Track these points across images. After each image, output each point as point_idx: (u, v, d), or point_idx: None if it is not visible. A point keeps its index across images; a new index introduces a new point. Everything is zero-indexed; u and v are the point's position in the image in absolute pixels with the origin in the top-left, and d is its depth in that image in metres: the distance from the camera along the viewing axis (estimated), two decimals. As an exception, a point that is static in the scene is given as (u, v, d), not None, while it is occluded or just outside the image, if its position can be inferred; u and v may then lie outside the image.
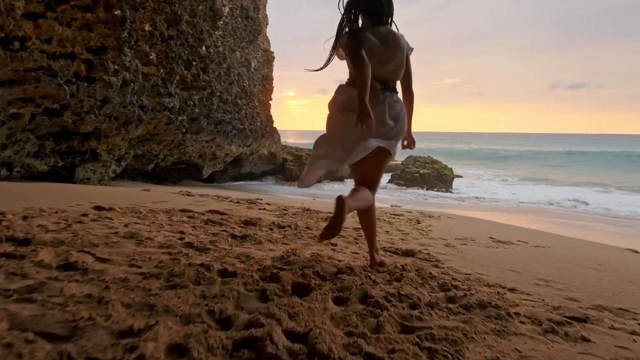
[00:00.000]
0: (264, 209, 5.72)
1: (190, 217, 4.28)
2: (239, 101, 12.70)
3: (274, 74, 15.70)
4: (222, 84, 11.62)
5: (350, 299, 2.16)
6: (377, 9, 2.54)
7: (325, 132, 2.70)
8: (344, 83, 2.63)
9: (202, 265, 2.36)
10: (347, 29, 2.52)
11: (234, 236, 3.51)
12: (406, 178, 16.00)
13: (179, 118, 8.68)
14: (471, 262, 3.74)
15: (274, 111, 15.57)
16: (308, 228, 4.44)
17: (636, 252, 5.73)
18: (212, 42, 10.00)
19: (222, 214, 4.71)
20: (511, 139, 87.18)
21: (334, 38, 2.54)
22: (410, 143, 2.82)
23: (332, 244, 3.75)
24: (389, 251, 3.74)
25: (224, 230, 3.72)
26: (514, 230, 6.64)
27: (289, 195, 13.05)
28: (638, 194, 13.99)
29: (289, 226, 4.36)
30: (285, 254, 3.05)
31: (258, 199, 7.19)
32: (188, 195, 6.73)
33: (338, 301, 2.15)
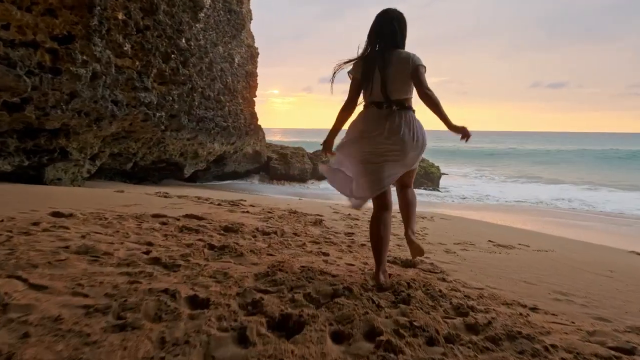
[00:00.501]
0: (247, 211, 5.22)
1: (163, 223, 3.76)
2: (221, 98, 12.13)
3: (259, 71, 15.16)
4: (204, 79, 11.04)
5: (353, 334, 1.70)
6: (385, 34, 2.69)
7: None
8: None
9: (166, 291, 1.87)
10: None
11: (211, 247, 3.01)
12: (393, 176, 15.62)
13: (157, 114, 8.08)
14: (478, 273, 3.32)
15: (258, 109, 15.03)
16: (295, 234, 3.97)
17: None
18: (193, 34, 9.42)
19: (200, 218, 4.20)
20: (495, 137, 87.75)
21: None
22: (466, 135, 2.62)
23: (324, 254, 3.29)
24: (387, 261, 3.29)
25: (200, 240, 3.22)
26: (510, 232, 6.28)
27: (274, 194, 12.54)
28: (624, 191, 13.88)
29: (275, 232, 3.88)
30: (271, 269, 2.56)
31: (241, 200, 6.68)
32: (165, 197, 6.18)
33: (338, 338, 1.68)
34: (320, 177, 15.89)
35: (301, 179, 15.12)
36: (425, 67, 2.63)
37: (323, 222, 4.92)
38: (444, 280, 2.89)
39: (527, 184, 16.22)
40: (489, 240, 4.93)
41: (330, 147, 2.88)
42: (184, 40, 8.52)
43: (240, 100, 13.78)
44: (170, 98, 8.43)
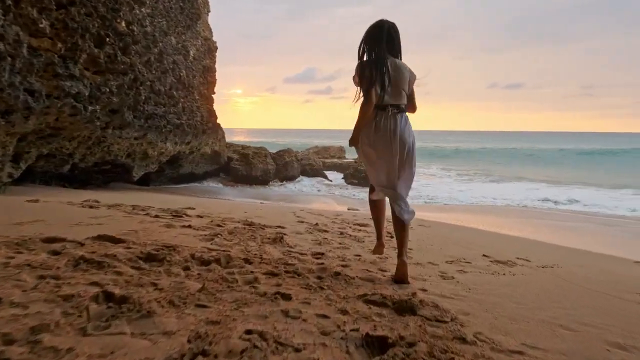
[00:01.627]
0: (190, 226, 4.05)
1: (54, 253, 2.57)
2: (174, 93, 10.79)
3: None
4: (154, 72, 9.69)
5: None
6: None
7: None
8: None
9: None
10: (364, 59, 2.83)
11: (106, 297, 1.87)
12: (359, 177, 14.71)
13: (90, 108, 6.72)
14: (496, 313, 2.34)
15: (220, 109, 13.74)
16: (247, 260, 2.86)
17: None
18: (136, 18, 8.08)
19: (116, 241, 3.01)
20: (456, 136, 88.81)
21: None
22: None
23: (284, 297, 2.20)
24: (374, 303, 2.26)
25: (94, 284, 2.06)
26: (499, 240, 5.41)
27: (234, 198, 11.31)
28: (589, 188, 13.60)
29: (217, 260, 2.76)
30: (190, 350, 1.46)
31: (188, 208, 5.49)
32: (91, 207, 4.90)
33: None
34: (283, 178, 14.76)
35: (264, 180, 13.93)
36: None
37: (284, 237, 3.83)
38: (462, 339, 1.88)
39: (493, 183, 15.72)
40: (484, 255, 4.00)
41: (357, 143, 2.90)
42: (123, 24, 7.19)
43: (197, 97, 12.46)
44: (107, 89, 7.07)
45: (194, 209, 5.71)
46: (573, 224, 7.53)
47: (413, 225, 5.68)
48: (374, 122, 2.76)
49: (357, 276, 2.78)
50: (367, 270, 3.02)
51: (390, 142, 2.75)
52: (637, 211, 9.79)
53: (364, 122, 2.76)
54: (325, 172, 16.07)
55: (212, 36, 14.01)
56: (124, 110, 8.28)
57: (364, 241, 4.16)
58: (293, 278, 2.59)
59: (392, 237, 4.25)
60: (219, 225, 4.21)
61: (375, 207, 3.20)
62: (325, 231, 4.54)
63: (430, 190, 13.29)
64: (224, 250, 3.05)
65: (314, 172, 15.81)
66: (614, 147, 28.19)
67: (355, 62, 2.84)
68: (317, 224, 5.01)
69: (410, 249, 4.04)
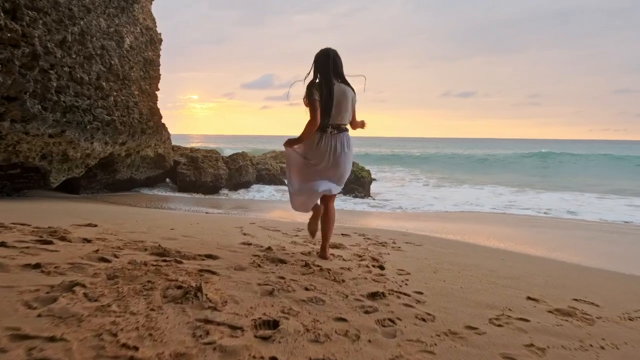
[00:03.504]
0: (39, 265, 2.22)
1: None
2: (104, 84, 8.72)
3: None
4: (74, 55, 7.63)
5: None
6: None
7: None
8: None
9: None
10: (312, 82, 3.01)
11: None
12: (320, 182, 13.13)
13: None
14: None
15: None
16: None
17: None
18: (40, -19, 6.07)
19: None
20: (413, 142, 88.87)
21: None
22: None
23: None
24: None
25: None
26: (524, 263, 3.87)
27: (177, 207, 9.31)
28: (548, 192, 12.78)
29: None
30: None
31: (87, 225, 3.63)
32: None
33: None
34: (237, 184, 12.88)
35: (214, 186, 11.99)
36: None
37: (207, 285, 2.10)
38: None
39: (461, 188, 14.60)
40: (530, 299, 2.47)
41: (290, 147, 3.17)
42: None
43: (136, 92, 10.38)
44: (-11, 66, 5.04)
45: (95, 225, 3.84)
46: (586, 234, 6.25)
47: (400, 244, 4.11)
48: (317, 139, 2.96)
49: (341, 342, 1.13)
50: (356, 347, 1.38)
51: (326, 158, 2.97)
52: None
53: (307, 137, 2.96)
54: (284, 178, 14.37)
55: (155, 27, 11.97)
56: (24, 98, 6.21)
57: (343, 280, 2.51)
58: None
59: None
60: (103, 259, 2.41)
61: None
62: (282, 261, 2.85)
63: (404, 197, 11.89)
64: (61, 339, 1.30)
65: (270, 177, 14.04)
66: (570, 152, 28.52)
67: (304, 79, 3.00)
68: (269, 248, 3.31)
69: (406, 283, 2.45)
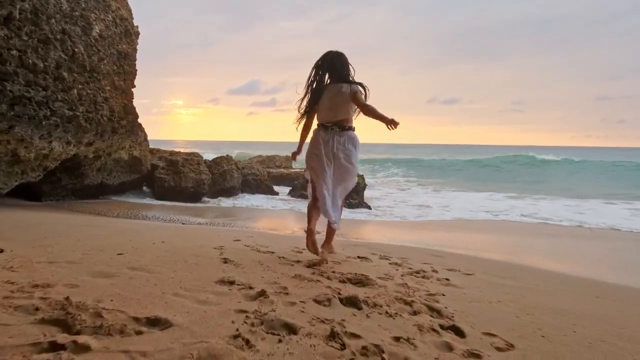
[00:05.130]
0: None
1: None
2: (65, 74, 7.26)
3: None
4: (24, 37, 6.23)
5: None
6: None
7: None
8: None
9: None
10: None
11: None
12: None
13: None
14: None
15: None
16: None
17: None
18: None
19: None
20: (401, 148, 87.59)
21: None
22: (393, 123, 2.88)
23: None
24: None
25: None
26: (615, 296, 2.67)
27: (147, 216, 7.82)
28: (546, 198, 11.80)
29: None
30: None
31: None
32: None
33: None
34: (220, 190, 11.45)
35: (196, 192, 10.54)
36: (362, 90, 3.03)
37: None
38: None
39: (460, 194, 13.50)
40: None
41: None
42: None
43: (107, 88, 8.92)
44: None
45: (0, 251, 2.45)
46: (585, 243, 5.11)
47: (442, 272, 2.84)
48: (315, 137, 3.12)
49: None
50: None
51: (322, 155, 3.03)
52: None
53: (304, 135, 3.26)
54: (271, 184, 12.99)
55: (132, 18, 10.54)
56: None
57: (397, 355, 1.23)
58: None
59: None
60: None
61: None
62: (289, 328, 1.55)
63: (404, 204, 10.67)
64: None
65: (257, 183, 12.65)
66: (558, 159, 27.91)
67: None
68: (263, 292, 1.99)
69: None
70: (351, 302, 1.92)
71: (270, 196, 12.04)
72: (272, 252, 3.26)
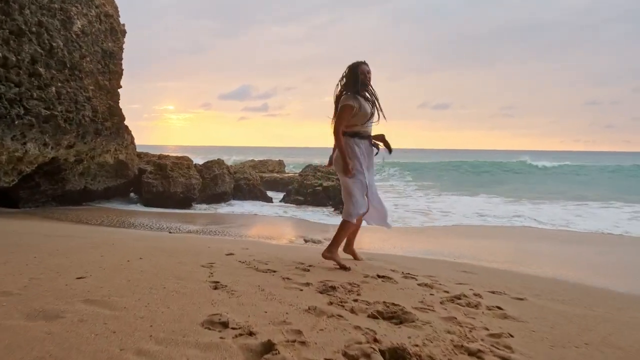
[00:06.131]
0: None
1: None
2: (41, 70, 6.56)
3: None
4: (-7, 28, 5.52)
5: None
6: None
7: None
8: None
9: None
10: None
11: None
12: (305, 193, 11.16)
13: None
14: None
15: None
16: None
17: None
18: None
19: None
20: (395, 153, 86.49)
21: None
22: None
23: None
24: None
25: None
26: None
27: (132, 224, 7.09)
28: (545, 203, 11.34)
29: None
30: None
31: None
32: None
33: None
34: (212, 196, 10.74)
35: (185, 198, 9.83)
36: (346, 106, 3.01)
37: None
38: None
39: (461, 197, 12.98)
40: None
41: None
42: None
43: (91, 87, 8.21)
44: None
45: None
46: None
47: (487, 297, 2.23)
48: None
49: None
50: None
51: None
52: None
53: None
54: (264, 189, 12.31)
55: (118, 15, 9.84)
56: None
57: None
58: None
59: None
60: None
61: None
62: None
63: (404, 209, 10.08)
64: None
65: (250, 188, 11.95)
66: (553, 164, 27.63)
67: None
68: (269, 344, 1.37)
69: None
70: (398, 356, 1.30)
71: (263, 202, 11.36)
72: (274, 272, 2.62)
